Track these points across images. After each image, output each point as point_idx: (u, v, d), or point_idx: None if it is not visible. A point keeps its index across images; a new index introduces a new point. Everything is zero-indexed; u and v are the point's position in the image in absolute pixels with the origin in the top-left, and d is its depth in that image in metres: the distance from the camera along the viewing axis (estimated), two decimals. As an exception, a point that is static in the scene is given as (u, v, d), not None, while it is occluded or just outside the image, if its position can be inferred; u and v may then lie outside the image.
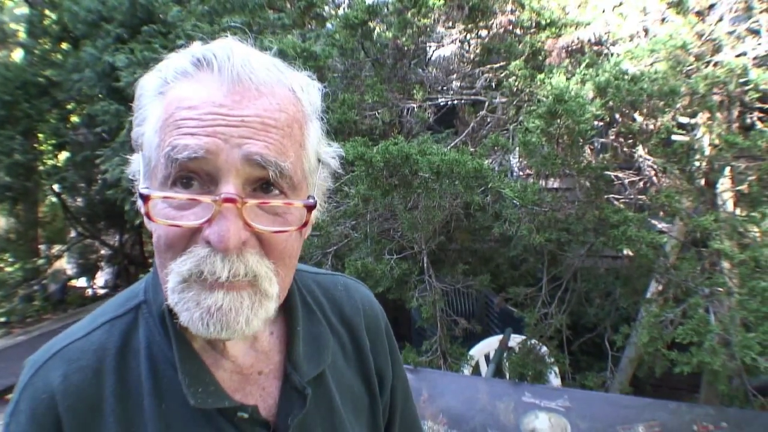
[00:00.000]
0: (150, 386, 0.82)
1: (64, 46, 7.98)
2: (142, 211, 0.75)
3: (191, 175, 0.73)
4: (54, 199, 9.87)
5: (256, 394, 0.90)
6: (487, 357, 3.70)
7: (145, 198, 0.73)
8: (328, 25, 4.81)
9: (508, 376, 3.19)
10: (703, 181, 3.06)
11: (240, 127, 0.72)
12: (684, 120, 3.11)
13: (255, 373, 0.90)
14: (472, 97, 3.85)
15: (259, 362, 0.91)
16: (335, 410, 0.95)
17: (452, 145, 3.48)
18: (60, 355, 0.84)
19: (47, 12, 8.38)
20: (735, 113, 3.17)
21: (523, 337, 3.30)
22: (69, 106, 8.24)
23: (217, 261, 0.72)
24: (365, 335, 1.08)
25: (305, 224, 0.79)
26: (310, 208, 0.79)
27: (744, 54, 2.94)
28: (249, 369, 0.90)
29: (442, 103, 4.07)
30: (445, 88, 3.99)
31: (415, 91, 3.65)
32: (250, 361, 0.90)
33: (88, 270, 10.50)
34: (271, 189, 0.76)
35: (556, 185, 3.77)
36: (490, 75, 3.74)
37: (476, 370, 3.60)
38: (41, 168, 8.69)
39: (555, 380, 3.29)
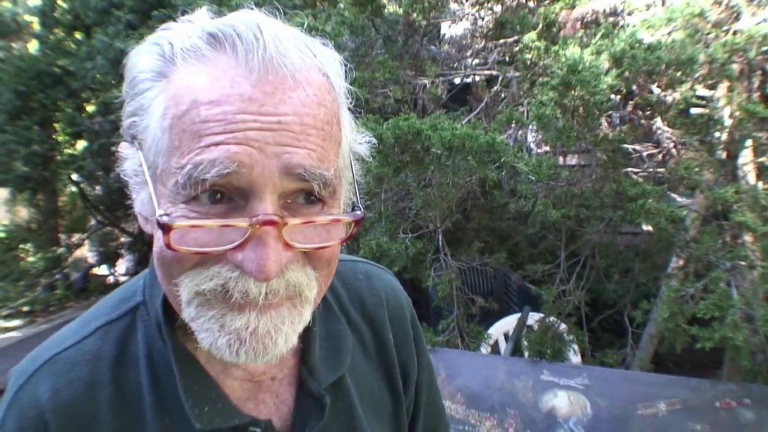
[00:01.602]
0: (152, 400, 0.74)
1: (77, 35, 8.02)
2: (159, 239, 0.62)
3: (216, 188, 0.60)
4: (73, 188, 9.93)
5: (270, 401, 0.82)
6: (506, 335, 3.68)
7: (166, 227, 0.59)
8: (341, 5, 4.77)
9: (526, 355, 3.17)
10: (724, 153, 2.99)
11: (277, 131, 0.59)
12: (703, 92, 3.03)
13: (268, 379, 0.82)
14: (486, 72, 3.79)
15: (272, 368, 0.82)
16: (355, 417, 0.86)
17: (465, 120, 3.44)
18: (48, 367, 0.75)
19: (59, 2, 8.40)
20: (756, 82, 3.09)
21: (542, 315, 3.27)
22: (84, 95, 8.25)
23: (250, 283, 0.61)
24: (389, 328, 0.98)
25: (350, 236, 0.70)
26: (358, 221, 0.69)
27: (764, 21, 2.86)
28: (261, 376, 0.81)
29: (456, 82, 4.02)
30: (458, 64, 3.93)
31: (427, 67, 3.60)
32: (262, 367, 0.81)
33: (109, 258, 10.58)
34: (311, 199, 0.65)
35: (572, 162, 3.72)
36: (504, 49, 3.68)
37: (495, 349, 3.58)
38: (59, 157, 8.71)
39: (574, 358, 3.27)
